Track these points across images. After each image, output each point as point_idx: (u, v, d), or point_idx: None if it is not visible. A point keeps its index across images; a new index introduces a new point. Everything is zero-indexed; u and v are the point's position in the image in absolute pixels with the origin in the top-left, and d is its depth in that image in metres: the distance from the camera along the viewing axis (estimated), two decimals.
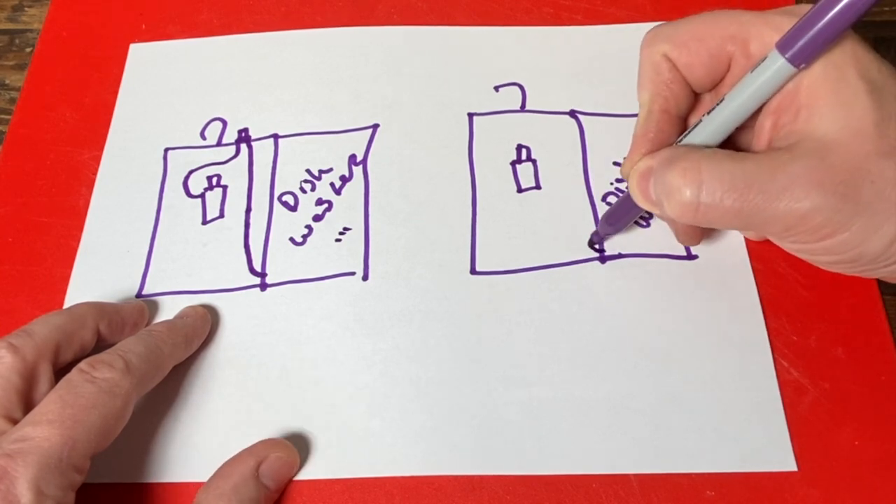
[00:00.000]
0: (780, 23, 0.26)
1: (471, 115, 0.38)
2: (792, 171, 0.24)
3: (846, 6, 0.23)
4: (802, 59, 0.25)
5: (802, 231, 0.25)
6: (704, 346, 0.32)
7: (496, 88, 0.39)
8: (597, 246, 0.34)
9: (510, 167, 0.37)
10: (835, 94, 0.25)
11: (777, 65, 0.25)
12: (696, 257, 0.34)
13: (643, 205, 0.29)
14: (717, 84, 0.30)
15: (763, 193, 0.25)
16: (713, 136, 0.28)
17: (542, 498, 0.29)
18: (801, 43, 0.25)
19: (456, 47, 0.40)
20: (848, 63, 0.25)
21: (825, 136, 0.25)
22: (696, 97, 0.31)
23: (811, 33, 0.24)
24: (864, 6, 0.23)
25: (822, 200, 0.24)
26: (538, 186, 0.36)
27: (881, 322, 0.32)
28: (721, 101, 0.27)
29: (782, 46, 0.25)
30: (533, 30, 0.40)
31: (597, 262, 0.34)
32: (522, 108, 0.38)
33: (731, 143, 0.29)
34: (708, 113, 0.28)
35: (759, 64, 0.26)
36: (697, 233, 0.32)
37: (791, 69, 0.25)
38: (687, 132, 0.29)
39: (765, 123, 0.28)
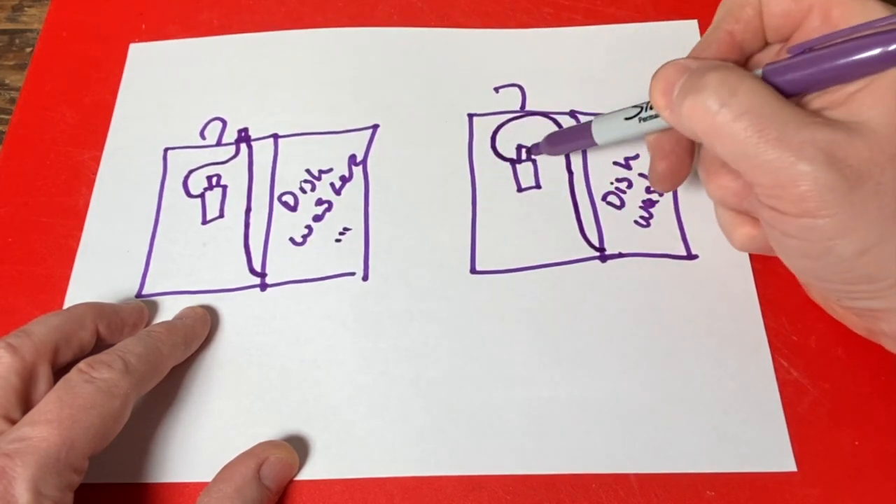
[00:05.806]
0: (871, 5, 0.25)
1: (471, 116, 0.38)
2: (817, 132, 0.24)
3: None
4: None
5: (789, 194, 0.24)
6: (704, 346, 0.32)
7: (496, 90, 0.39)
8: (532, 154, 0.37)
9: (510, 166, 0.37)
10: (889, 88, 0.24)
11: None
12: (696, 257, 0.34)
13: (658, 99, 0.28)
14: (784, 38, 0.28)
15: (779, 137, 0.24)
16: None
17: (542, 498, 0.29)
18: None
19: (456, 49, 0.40)
20: None
21: (864, 122, 0.24)
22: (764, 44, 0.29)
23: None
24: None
25: (824, 172, 0.23)
26: (538, 186, 0.36)
27: None
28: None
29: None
30: (532, 31, 0.40)
31: (597, 262, 0.34)
32: (522, 109, 0.38)
33: None
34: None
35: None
36: (679, 176, 0.31)
37: None
38: None
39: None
